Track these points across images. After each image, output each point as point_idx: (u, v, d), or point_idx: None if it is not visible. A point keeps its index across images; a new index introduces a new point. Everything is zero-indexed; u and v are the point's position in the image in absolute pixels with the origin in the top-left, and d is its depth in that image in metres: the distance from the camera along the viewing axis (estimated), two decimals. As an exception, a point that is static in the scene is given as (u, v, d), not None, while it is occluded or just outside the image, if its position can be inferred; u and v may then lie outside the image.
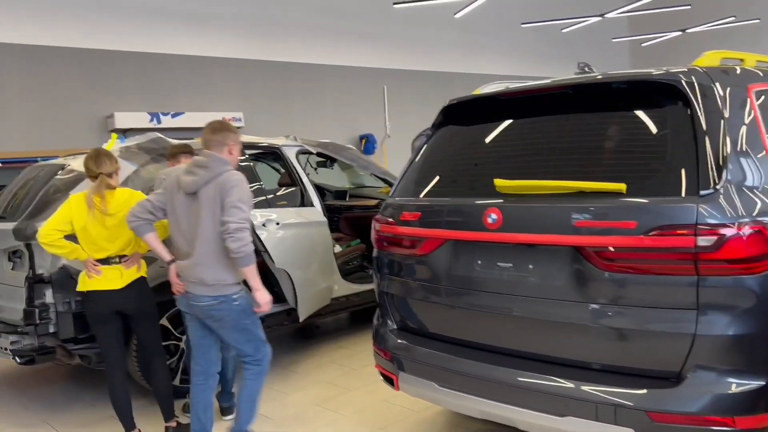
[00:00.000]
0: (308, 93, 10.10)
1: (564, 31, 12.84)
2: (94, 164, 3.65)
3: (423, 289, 3.00)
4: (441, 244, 2.89)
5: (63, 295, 4.18)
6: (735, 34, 13.53)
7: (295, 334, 6.14)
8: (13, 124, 7.33)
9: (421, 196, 3.08)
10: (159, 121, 8.29)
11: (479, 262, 2.76)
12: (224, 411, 4.21)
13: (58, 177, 4.46)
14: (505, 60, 13.21)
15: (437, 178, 3.09)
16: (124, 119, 7.95)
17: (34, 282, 4.18)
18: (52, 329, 4.18)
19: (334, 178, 7.03)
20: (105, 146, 4.77)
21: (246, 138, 5.16)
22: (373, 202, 6.44)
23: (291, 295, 4.89)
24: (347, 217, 6.50)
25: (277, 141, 5.49)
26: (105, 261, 3.63)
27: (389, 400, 4.30)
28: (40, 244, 3.56)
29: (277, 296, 5.06)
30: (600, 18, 10.67)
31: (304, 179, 5.41)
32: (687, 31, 12.81)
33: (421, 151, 3.28)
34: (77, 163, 4.56)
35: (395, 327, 3.23)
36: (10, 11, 7.30)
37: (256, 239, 4.64)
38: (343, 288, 5.58)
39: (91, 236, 3.60)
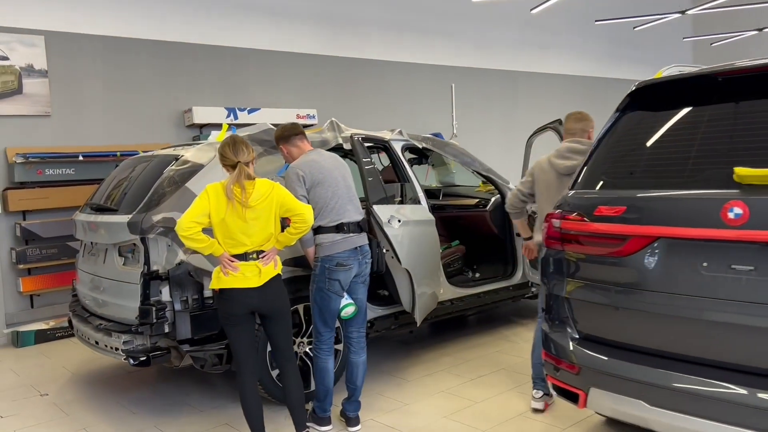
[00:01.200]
0: (377, 90, 9.81)
1: (636, 29, 12.37)
2: (231, 152, 3.38)
3: (623, 295, 2.66)
4: (650, 243, 2.55)
5: (180, 293, 3.93)
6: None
7: (391, 339, 5.83)
8: (92, 118, 7.16)
9: (615, 188, 2.73)
10: (236, 117, 8.06)
11: (705, 264, 2.41)
12: (350, 422, 3.91)
13: (172, 168, 4.22)
14: (572, 60, 12.80)
15: (636, 167, 2.75)
16: (201, 114, 7.74)
17: (150, 278, 3.93)
18: (167, 329, 3.93)
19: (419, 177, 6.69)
20: (215, 137, 4.53)
21: (354, 131, 4.88)
22: (473, 202, 6.11)
23: (408, 297, 4.58)
24: (444, 216, 6.17)
25: (385, 135, 5.19)
26: (242, 257, 3.36)
27: (526, 415, 3.97)
28: (180, 238, 3.30)
29: (387, 299, 4.77)
30: (680, 15, 10.23)
31: (412, 175, 5.10)
32: (764, 30, 12.28)
33: (604, 140, 2.93)
34: (192, 154, 4.32)
35: (577, 337, 2.89)
36: (89, 2, 7.13)
37: (383, 237, 4.34)
38: (448, 291, 5.26)
39: (229, 230, 3.33)
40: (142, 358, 3.95)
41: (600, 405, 2.73)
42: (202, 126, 7.89)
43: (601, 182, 2.82)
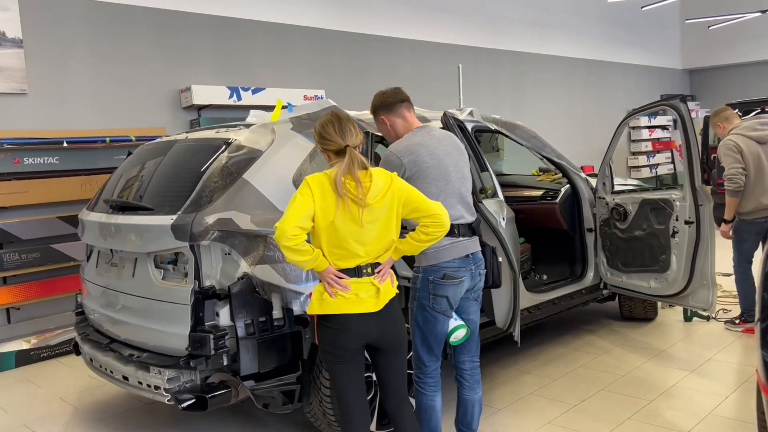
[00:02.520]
0: (386, 68, 8.97)
1: (644, 8, 11.82)
2: (337, 132, 2.52)
3: None
4: None
5: (245, 315, 3.04)
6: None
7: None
8: (76, 98, 6.08)
9: None
10: (239, 98, 7.06)
11: None
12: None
13: (224, 155, 3.30)
14: (577, 42, 12.19)
15: None
16: (201, 93, 6.73)
17: (205, 297, 3.03)
18: (225, 361, 3.05)
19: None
20: (267, 117, 3.62)
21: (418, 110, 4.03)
22: (539, 193, 5.35)
23: (506, 311, 3.80)
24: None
25: (456, 114, 4.36)
26: (353, 272, 2.51)
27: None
28: (282, 249, 2.42)
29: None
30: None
31: (487, 164, 4.30)
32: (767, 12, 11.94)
33: None
34: (246, 137, 3.40)
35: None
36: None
37: (497, 241, 3.54)
38: (525, 299, 4.49)
39: (339, 236, 2.47)
40: (192, 400, 3.05)
41: None
42: (201, 108, 6.90)
43: None
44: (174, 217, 3.11)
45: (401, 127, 3.05)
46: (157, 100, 6.68)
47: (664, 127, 13.89)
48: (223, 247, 3.10)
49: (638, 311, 5.45)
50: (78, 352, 3.95)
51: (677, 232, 4.16)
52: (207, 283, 3.09)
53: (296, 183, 3.31)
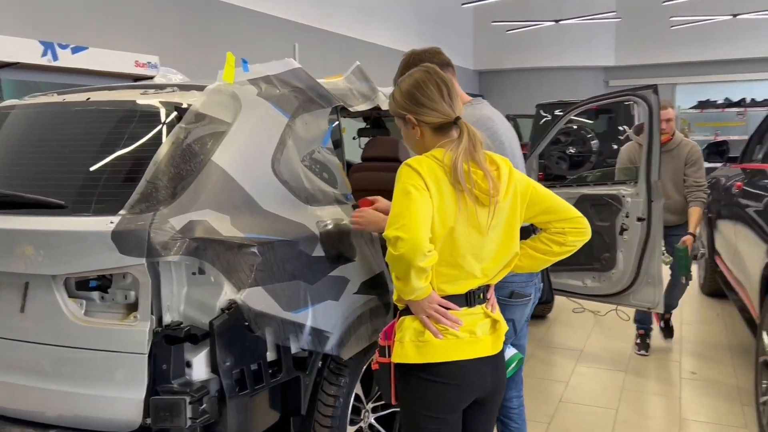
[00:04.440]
0: (225, 37, 7.82)
1: (467, 6, 12.11)
2: (445, 98, 1.75)
3: None
4: None
5: (232, 363, 2.09)
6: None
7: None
8: None
9: None
10: (55, 57, 5.41)
11: None
12: None
13: (181, 128, 2.23)
14: (398, 33, 12.05)
15: None
16: (4, 48, 5.02)
17: (172, 340, 2.01)
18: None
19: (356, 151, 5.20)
20: (220, 76, 2.60)
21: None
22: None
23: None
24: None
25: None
26: (464, 299, 1.76)
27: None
28: (414, 271, 1.56)
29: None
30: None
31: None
32: (560, 22, 13.05)
33: None
34: (204, 103, 2.35)
35: None
36: None
37: None
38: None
39: (456, 249, 1.71)
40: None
41: None
42: (3, 66, 5.19)
43: None
44: (114, 219, 2.00)
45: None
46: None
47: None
48: (192, 265, 2.08)
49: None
50: None
51: (627, 229, 4.01)
52: (168, 317, 2.05)
53: (277, 171, 2.40)
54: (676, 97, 15.11)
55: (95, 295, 2.14)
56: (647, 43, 15.40)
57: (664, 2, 12.70)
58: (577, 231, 1.90)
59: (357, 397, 2.62)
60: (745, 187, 4.38)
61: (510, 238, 1.83)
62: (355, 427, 2.64)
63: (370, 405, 2.73)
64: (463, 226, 1.72)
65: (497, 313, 1.86)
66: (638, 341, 4.57)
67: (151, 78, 6.54)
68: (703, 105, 14.70)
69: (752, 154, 5.00)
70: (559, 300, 5.29)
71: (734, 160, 5.43)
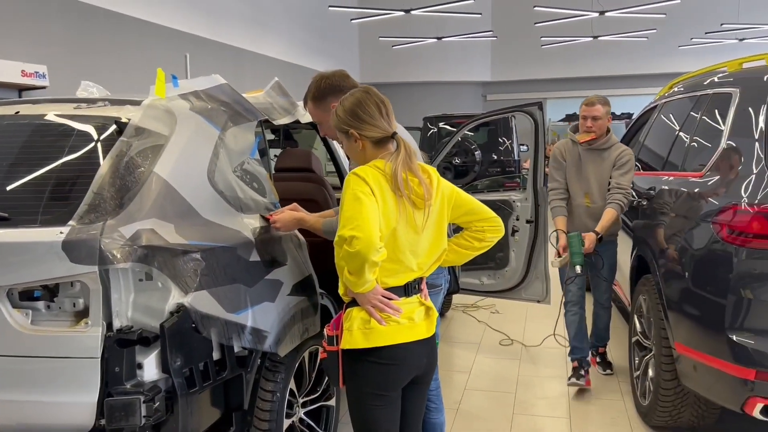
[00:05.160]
0: (114, 48, 7.61)
1: (354, 22, 12.47)
2: (383, 115, 2.00)
3: None
4: None
5: (182, 363, 2.22)
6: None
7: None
8: None
9: None
10: (-66, 65, 5.11)
11: None
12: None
13: (123, 141, 2.33)
14: (287, 44, 12.20)
15: None
16: None
17: (124, 344, 2.12)
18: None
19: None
20: (152, 91, 2.71)
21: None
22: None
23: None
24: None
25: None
26: (401, 290, 2.03)
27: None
28: (368, 266, 1.78)
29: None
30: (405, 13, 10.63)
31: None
32: (443, 39, 13.79)
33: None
34: (141, 117, 2.47)
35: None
36: None
37: None
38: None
39: (398, 247, 1.97)
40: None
41: None
42: None
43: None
44: (64, 229, 2.08)
45: None
46: None
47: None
48: (140, 271, 2.19)
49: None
50: None
51: (517, 231, 4.46)
52: (117, 323, 2.15)
53: (213, 182, 2.55)
54: (546, 111, 16.39)
55: (41, 304, 2.18)
56: (520, 61, 16.61)
57: (535, 24, 13.80)
58: (494, 228, 2.22)
59: (291, 392, 2.80)
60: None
61: (440, 236, 2.11)
62: (289, 421, 2.81)
63: (301, 399, 2.92)
64: (403, 226, 1.98)
65: (429, 301, 2.13)
66: (572, 372, 3.98)
67: (44, 88, 6.34)
68: (570, 118, 16.07)
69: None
70: (456, 298, 5.70)
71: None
